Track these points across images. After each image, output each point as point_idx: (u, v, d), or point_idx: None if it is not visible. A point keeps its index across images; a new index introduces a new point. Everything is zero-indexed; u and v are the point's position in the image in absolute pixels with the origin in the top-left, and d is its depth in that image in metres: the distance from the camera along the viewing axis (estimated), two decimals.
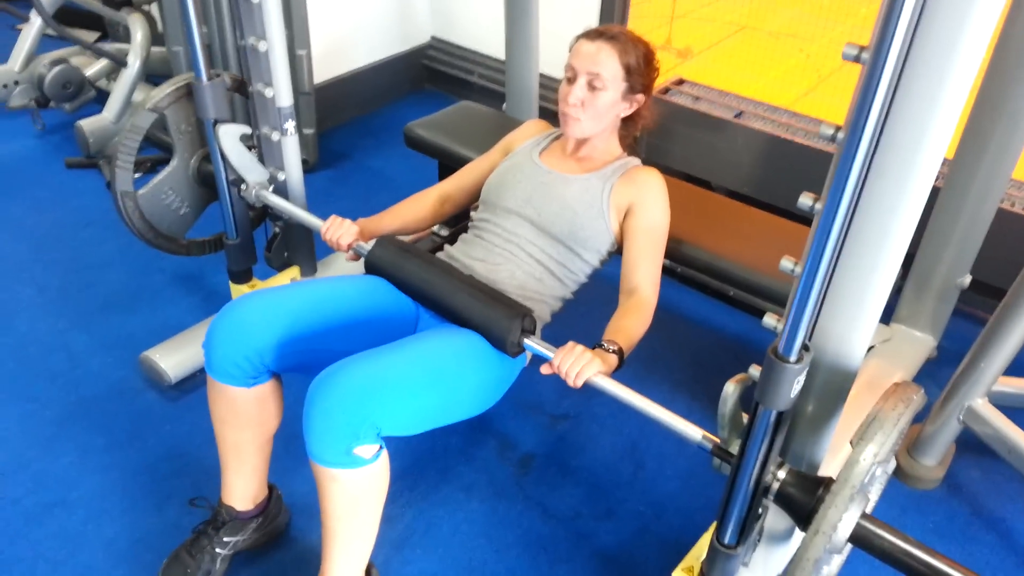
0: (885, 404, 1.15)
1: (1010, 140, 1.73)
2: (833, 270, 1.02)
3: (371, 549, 1.41)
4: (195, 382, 2.00)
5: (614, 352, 1.40)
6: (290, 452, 1.77)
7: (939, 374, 2.06)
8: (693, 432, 1.26)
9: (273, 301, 1.43)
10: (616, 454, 1.88)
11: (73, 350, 2.08)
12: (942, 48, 0.91)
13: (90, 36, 3.50)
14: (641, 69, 1.58)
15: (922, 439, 1.82)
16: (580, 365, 1.32)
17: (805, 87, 3.45)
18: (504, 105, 2.57)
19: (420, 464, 1.82)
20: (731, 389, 1.17)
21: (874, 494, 1.29)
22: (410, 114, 2.41)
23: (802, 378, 1.04)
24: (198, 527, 1.56)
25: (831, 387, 1.20)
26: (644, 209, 1.59)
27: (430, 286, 1.49)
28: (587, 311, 1.72)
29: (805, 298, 0.97)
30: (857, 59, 0.85)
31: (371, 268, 1.58)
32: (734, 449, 1.20)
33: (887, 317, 2.13)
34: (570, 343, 1.36)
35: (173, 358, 1.97)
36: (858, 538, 1.15)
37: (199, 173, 1.97)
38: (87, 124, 2.75)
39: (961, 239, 1.89)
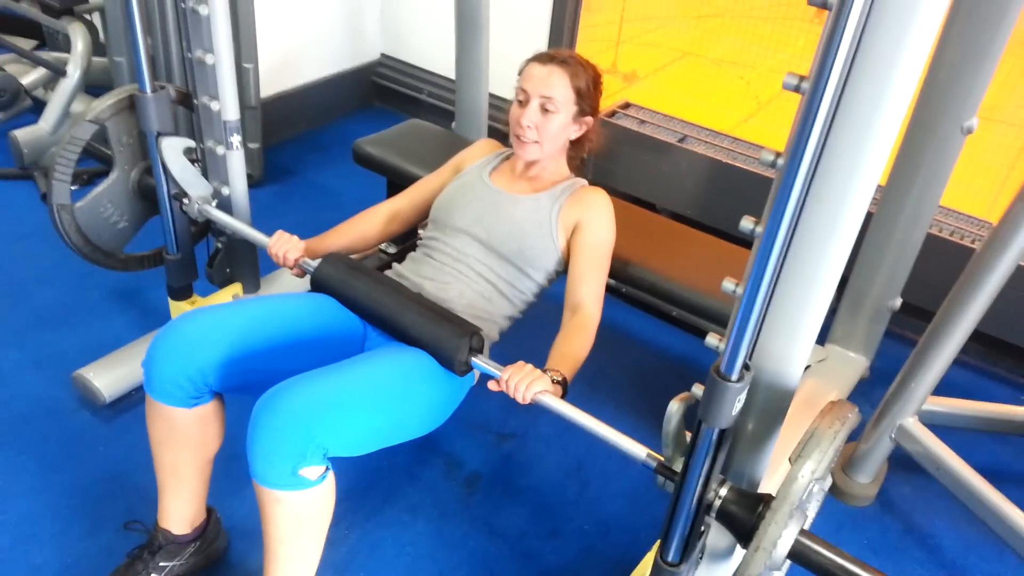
0: (822, 422, 1.17)
1: (938, 168, 1.81)
2: (772, 291, 1.05)
3: (314, 573, 1.39)
4: (131, 401, 1.94)
5: (558, 383, 1.40)
6: (230, 474, 1.73)
7: (872, 394, 2.13)
8: (638, 450, 1.27)
9: (217, 320, 1.40)
10: (562, 473, 1.89)
11: (3, 368, 2.00)
12: (878, 79, 0.95)
13: (27, 44, 3.40)
14: (590, 92, 1.62)
15: (856, 457, 1.87)
16: (528, 380, 1.33)
17: (745, 113, 3.55)
18: (453, 124, 2.58)
19: (364, 485, 1.80)
20: (675, 408, 1.19)
21: (812, 510, 1.32)
22: (358, 131, 2.39)
23: (743, 396, 1.07)
24: (133, 552, 1.51)
25: (770, 405, 1.23)
26: (590, 227, 1.61)
27: (378, 305, 1.48)
28: (535, 328, 1.73)
29: (746, 318, 1.00)
30: (797, 88, 0.88)
31: (318, 285, 1.56)
32: (678, 467, 1.21)
33: (822, 338, 2.19)
34: (519, 362, 1.37)
35: (108, 376, 1.91)
36: (796, 554, 1.18)
37: (139, 186, 1.92)
38: (22, 134, 2.67)
39: (892, 263, 1.96)
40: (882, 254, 1.96)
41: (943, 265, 2.04)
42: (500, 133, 3.01)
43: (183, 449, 1.44)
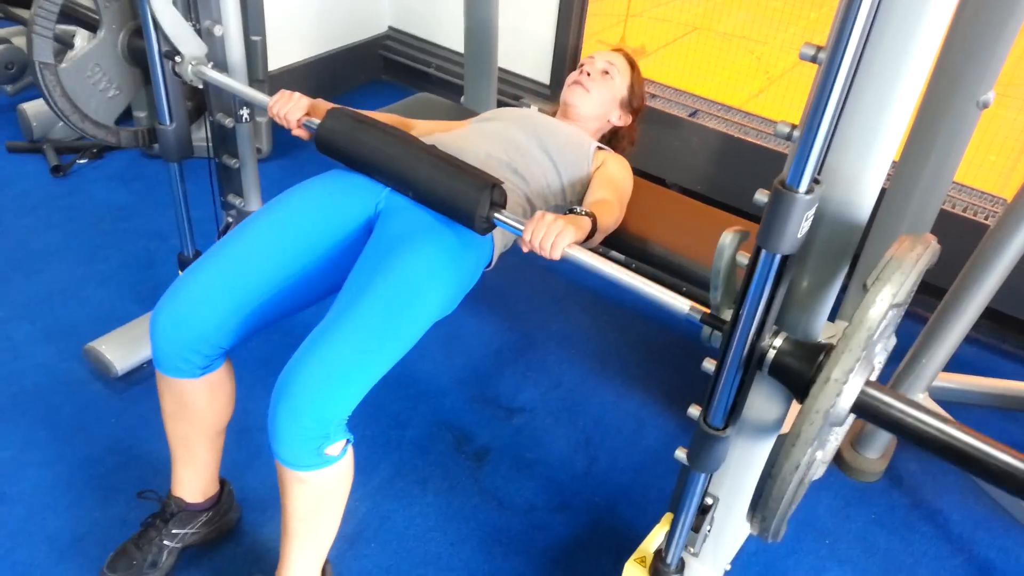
0: (901, 247, 1.01)
1: (953, 143, 1.79)
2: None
3: (330, 546, 1.40)
4: (142, 373, 1.95)
5: (587, 215, 1.35)
6: (242, 446, 1.75)
7: (883, 371, 2.12)
8: (680, 303, 1.15)
9: (210, 281, 1.33)
10: (570, 447, 1.90)
11: (15, 340, 2.02)
12: (895, 50, 0.93)
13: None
14: (638, 93, 1.84)
15: (865, 433, 1.87)
16: (554, 234, 1.22)
17: (756, 88, 3.52)
18: (462, 98, 2.56)
19: (375, 458, 1.81)
20: (728, 240, 1.02)
21: (879, 361, 1.14)
22: (366, 104, 2.38)
23: (811, 213, 0.94)
24: (146, 520, 1.52)
25: (834, 242, 1.10)
26: (611, 167, 1.71)
27: (389, 159, 1.34)
28: (541, 305, 1.73)
29: (811, 139, 0.89)
30: (814, 59, 0.87)
31: (322, 143, 1.42)
32: (726, 317, 1.08)
33: (833, 315, 2.18)
34: (539, 212, 1.26)
35: (120, 349, 1.92)
36: (863, 407, 1.04)
37: (129, 50, 1.75)
38: (30, 107, 2.67)
39: None
40: (895, 230, 1.95)
41: (956, 242, 2.02)
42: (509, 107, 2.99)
43: (194, 421, 1.45)
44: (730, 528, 1.46)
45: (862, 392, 1.02)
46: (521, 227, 1.26)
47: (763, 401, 1.24)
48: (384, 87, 3.46)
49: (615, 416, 1.98)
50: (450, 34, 3.23)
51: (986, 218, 2.22)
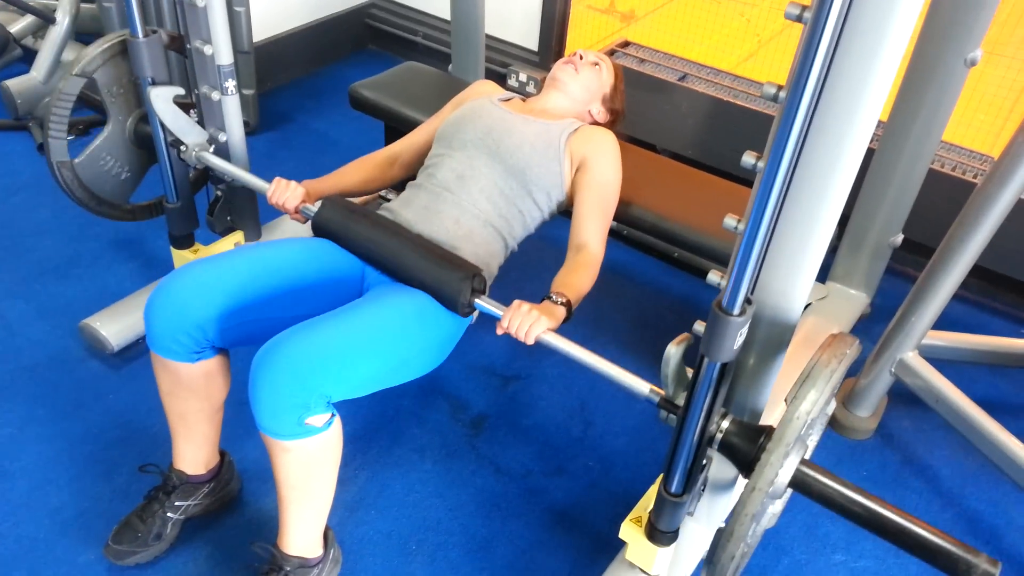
0: (820, 359, 1.18)
1: (941, 102, 1.79)
2: (774, 227, 1.05)
3: (327, 512, 1.42)
4: (138, 349, 1.96)
5: (562, 304, 1.42)
6: (241, 419, 1.76)
7: (872, 330, 2.15)
8: (641, 386, 1.29)
9: (211, 275, 1.39)
10: (565, 413, 1.92)
11: (9, 319, 2.02)
12: (881, 7, 0.93)
13: None
14: (620, 95, 1.87)
15: (856, 391, 1.90)
16: (529, 323, 1.34)
17: (746, 52, 3.50)
18: (450, 66, 2.54)
19: (372, 427, 1.83)
20: (673, 351, 1.20)
21: (813, 439, 1.33)
22: (353, 75, 2.37)
23: (745, 330, 1.08)
24: (149, 492, 1.54)
25: (772, 339, 1.25)
26: (597, 165, 1.63)
27: (378, 247, 1.47)
28: (536, 274, 1.74)
29: (748, 253, 1.00)
30: (799, 18, 0.87)
31: (318, 230, 1.56)
32: (680, 401, 1.23)
33: (823, 276, 2.20)
34: (516, 302, 1.37)
35: (114, 325, 1.93)
36: (798, 483, 1.20)
37: (136, 135, 1.90)
38: (14, 84, 2.63)
39: (894, 199, 1.96)
40: (883, 190, 1.96)
41: (945, 200, 2.04)
42: (497, 75, 2.98)
43: (190, 399, 1.46)
44: (724, 487, 1.49)
45: (797, 471, 1.20)
46: (499, 313, 1.38)
47: (719, 463, 1.40)
48: (371, 56, 3.43)
49: (609, 382, 1.98)
50: (436, 2, 3.20)
51: (975, 177, 2.23)
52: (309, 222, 1.58)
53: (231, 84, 1.79)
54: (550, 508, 1.71)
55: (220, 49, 1.74)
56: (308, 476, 1.33)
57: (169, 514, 1.52)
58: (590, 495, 1.74)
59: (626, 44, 2.81)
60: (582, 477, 1.78)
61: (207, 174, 1.99)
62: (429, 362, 1.47)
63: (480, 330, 2.09)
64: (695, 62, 2.73)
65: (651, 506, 1.41)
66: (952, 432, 1.78)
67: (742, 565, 1.26)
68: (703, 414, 1.18)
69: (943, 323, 1.80)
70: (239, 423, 1.73)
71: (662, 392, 1.27)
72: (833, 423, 1.93)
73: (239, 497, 1.66)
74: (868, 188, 1.98)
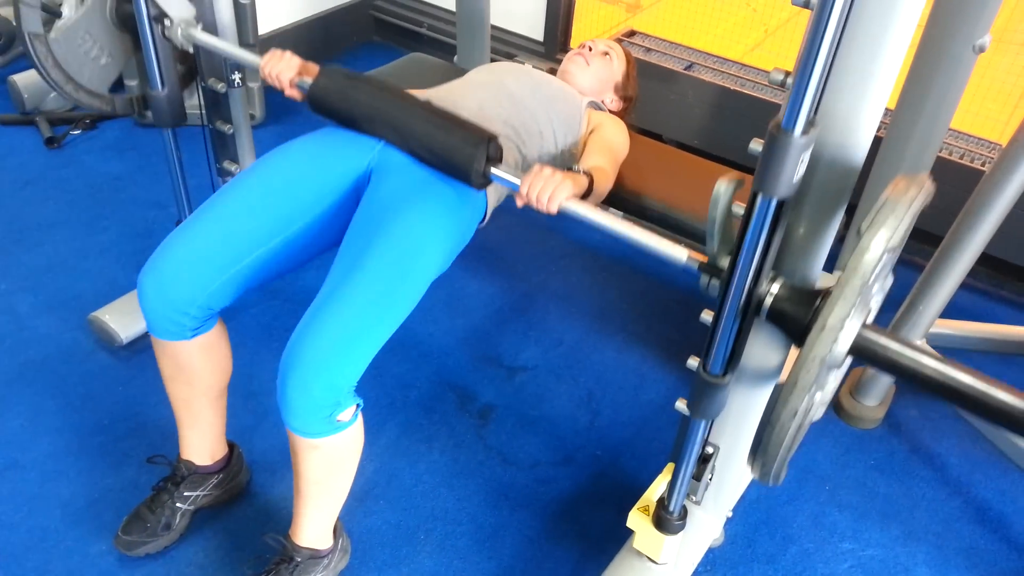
0: (895, 189, 1.00)
1: (949, 89, 1.78)
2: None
3: (342, 506, 1.43)
4: (147, 342, 1.95)
5: (584, 174, 1.36)
6: (248, 410, 1.77)
7: (880, 319, 2.13)
8: (678, 252, 1.16)
9: (194, 244, 1.32)
10: (573, 404, 1.92)
11: (18, 312, 2.03)
12: None
13: None
14: (632, 82, 1.88)
15: (864, 380, 1.89)
16: (551, 188, 1.21)
17: (753, 41, 3.48)
18: (455, 57, 2.54)
19: (380, 418, 1.84)
20: (723, 188, 1.01)
21: (875, 304, 1.13)
22: (358, 66, 2.36)
23: (807, 156, 0.93)
24: (158, 484, 1.55)
25: (830, 186, 1.11)
26: (606, 128, 1.69)
27: (383, 115, 1.33)
28: (541, 266, 1.74)
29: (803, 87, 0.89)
30: (806, 4, 0.87)
31: (315, 102, 1.41)
32: (723, 265, 1.09)
33: (830, 266, 2.19)
34: (536, 166, 1.25)
35: (123, 318, 1.94)
36: (861, 349, 1.04)
37: (118, 15, 1.72)
38: (21, 79, 2.64)
39: None
40: (891, 178, 1.94)
41: (952, 188, 2.02)
42: None
43: (192, 383, 1.45)
44: (731, 476, 1.49)
45: (859, 335, 1.02)
46: (518, 181, 1.25)
47: (761, 348, 1.25)
48: (376, 48, 3.42)
49: (616, 372, 2.00)
50: None
51: (983, 165, 2.22)
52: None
53: (237, 76, 1.80)
54: (558, 498, 1.71)
55: (226, 40, 1.74)
56: (332, 471, 1.33)
57: (179, 504, 1.53)
58: (598, 484, 1.75)
59: (632, 33, 2.80)
60: (589, 467, 1.78)
61: (195, 67, 1.84)
62: (438, 270, 1.35)
63: (487, 321, 2.10)
64: (702, 51, 2.72)
65: (658, 494, 1.41)
66: (960, 421, 1.78)
67: (796, 442, 1.08)
68: (752, 272, 1.03)
69: (951, 311, 1.80)
70: (247, 415, 1.74)
71: (702, 257, 1.13)
72: (840, 412, 1.93)
73: (248, 489, 1.67)
74: (875, 176, 1.97)
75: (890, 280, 1.16)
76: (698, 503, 1.48)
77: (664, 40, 2.77)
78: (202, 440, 1.53)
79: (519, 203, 1.27)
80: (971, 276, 1.73)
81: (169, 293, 1.33)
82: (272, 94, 2.96)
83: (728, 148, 2.53)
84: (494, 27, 2.48)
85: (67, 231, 2.29)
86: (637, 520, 1.41)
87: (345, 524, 1.56)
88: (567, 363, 2.02)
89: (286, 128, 2.86)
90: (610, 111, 1.83)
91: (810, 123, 0.90)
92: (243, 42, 2.61)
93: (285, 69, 1.49)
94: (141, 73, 1.76)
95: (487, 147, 1.26)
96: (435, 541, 1.61)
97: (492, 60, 2.52)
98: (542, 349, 2.05)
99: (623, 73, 1.84)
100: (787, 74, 0.93)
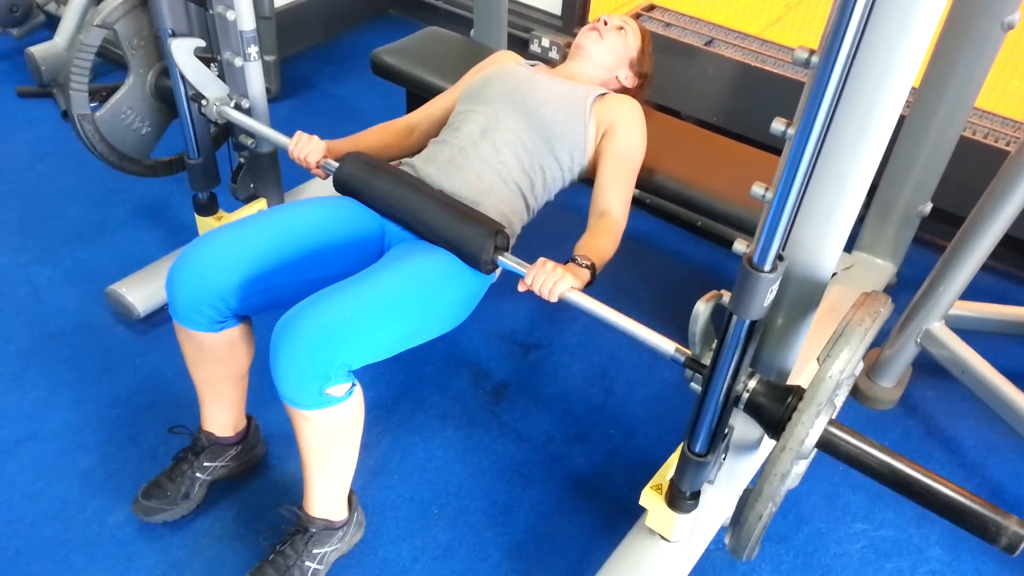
0: (853, 317, 1.15)
1: (976, 67, 1.75)
2: (803, 195, 1.03)
3: (351, 477, 1.44)
4: (164, 315, 1.98)
5: (586, 267, 1.39)
6: (265, 385, 1.76)
7: (898, 300, 2.11)
8: (666, 345, 1.27)
9: (231, 244, 1.38)
10: (586, 381, 1.92)
11: (37, 284, 2.05)
12: None
13: None
14: (647, 58, 1.85)
15: (881, 362, 1.88)
16: (553, 281, 1.32)
17: (774, 15, 3.42)
18: (472, 31, 2.51)
19: (394, 394, 1.85)
20: (702, 308, 1.17)
21: (840, 398, 1.27)
22: (374, 40, 2.34)
23: (775, 287, 1.05)
24: (178, 453, 1.57)
25: (802, 298, 1.21)
26: (622, 132, 1.61)
27: (400, 202, 1.44)
28: (557, 242, 1.73)
29: (779, 215, 0.98)
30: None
31: (339, 185, 1.52)
32: (707, 361, 1.21)
33: (849, 245, 2.17)
34: (540, 259, 1.35)
35: (141, 291, 1.95)
36: (825, 444, 1.18)
37: (157, 89, 1.88)
38: (38, 51, 2.64)
39: (924, 167, 1.92)
40: (914, 158, 1.92)
41: (976, 168, 2.00)
42: (519, 40, 2.94)
43: (216, 367, 1.48)
44: (745, 455, 1.49)
45: (825, 431, 1.16)
46: (523, 271, 1.36)
47: (743, 423, 1.37)
48: (392, 22, 3.40)
49: (630, 351, 1.99)
50: None
51: (1008, 144, 2.18)
52: (330, 179, 1.56)
53: (253, 50, 1.78)
54: (571, 475, 1.72)
55: (242, 14, 1.73)
56: (330, 444, 1.35)
57: (198, 474, 1.55)
58: (611, 462, 1.75)
59: (651, 8, 2.76)
60: (603, 444, 1.79)
61: (228, 131, 1.98)
62: (449, 322, 1.45)
63: (500, 298, 2.10)
64: (722, 26, 2.68)
65: (671, 473, 1.41)
66: (976, 403, 1.76)
67: (767, 525, 1.26)
68: (730, 373, 1.15)
69: (970, 293, 1.78)
70: (263, 389, 1.75)
71: (688, 352, 1.24)
72: (856, 393, 1.91)
73: (264, 461, 1.68)
74: (898, 155, 1.95)
75: (854, 376, 1.27)
76: (711, 482, 1.48)
77: (684, 15, 2.73)
78: (224, 414, 1.55)
79: (521, 289, 1.36)
80: (992, 257, 1.70)
81: (202, 284, 1.36)
82: (289, 68, 2.95)
83: (748, 126, 2.49)
84: (511, 1, 2.45)
85: (84, 204, 2.30)
86: (650, 498, 1.41)
87: (360, 498, 1.58)
88: (581, 341, 2.01)
89: (301, 103, 2.85)
90: (624, 87, 1.81)
91: (779, 258, 1.03)
92: (259, 15, 2.61)
93: (312, 152, 1.60)
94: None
95: (495, 238, 1.37)
96: (448, 516, 1.62)
97: (509, 35, 2.50)
98: (556, 327, 2.04)
99: (638, 49, 1.81)
100: (811, 52, 0.91)
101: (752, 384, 1.21)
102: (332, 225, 1.48)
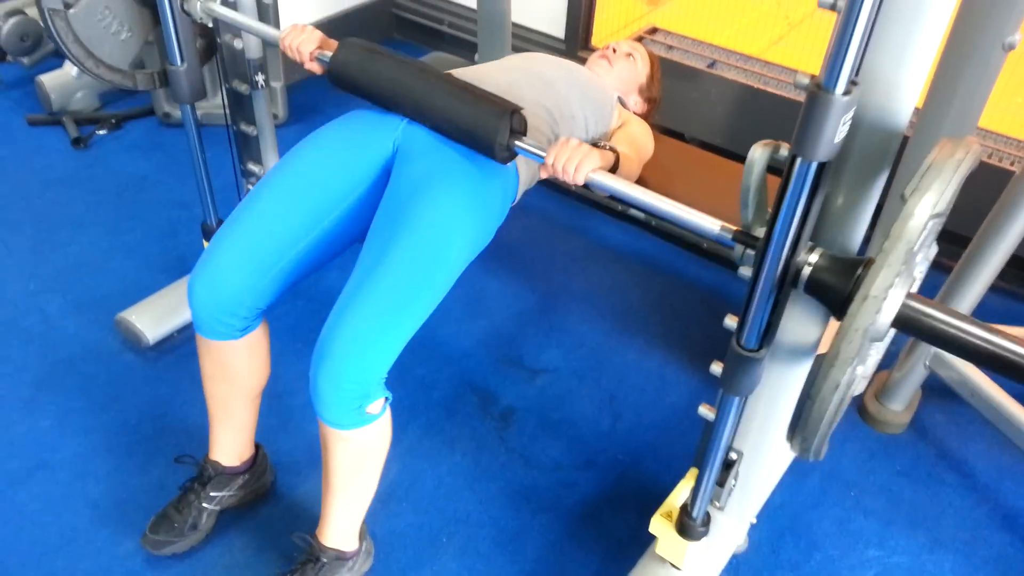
0: (940, 152, 0.95)
1: (977, 87, 1.75)
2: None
3: (368, 505, 1.44)
4: (173, 343, 1.99)
5: (610, 150, 1.35)
6: (274, 411, 1.79)
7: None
8: (710, 224, 1.11)
9: (239, 245, 1.34)
10: (595, 406, 1.92)
11: (47, 312, 2.06)
12: None
13: None
14: (654, 86, 1.89)
15: (890, 385, 1.87)
16: (578, 158, 1.19)
17: (776, 35, 3.44)
18: (476, 56, 2.53)
19: (402, 420, 1.84)
20: (759, 152, 0.98)
21: (921, 268, 1.09)
22: None
23: (848, 117, 0.88)
24: (184, 484, 1.57)
25: (873, 153, 1.05)
26: (633, 127, 1.70)
27: (405, 87, 1.30)
28: (550, 257, 1.73)
29: (848, 31, 0.83)
30: (833, 7, 0.85)
31: (335, 76, 1.39)
32: (758, 234, 1.04)
33: (862, 251, 2.17)
34: (563, 138, 1.24)
35: (150, 319, 1.95)
36: (905, 320, 0.99)
37: None
38: (48, 79, 2.68)
39: None
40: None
41: (980, 189, 1.99)
42: None
43: (233, 382, 1.47)
44: (755, 482, 1.48)
45: (903, 305, 0.97)
46: (543, 153, 1.22)
47: (798, 321, 1.19)
48: (397, 46, 3.42)
49: (638, 375, 1.99)
50: None
51: (1012, 164, 2.18)
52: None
53: (260, 78, 1.80)
54: (580, 501, 1.71)
55: (250, 43, 1.75)
56: (360, 465, 1.35)
57: (205, 504, 1.55)
58: (620, 488, 1.74)
59: (654, 31, 2.78)
60: (611, 470, 1.78)
61: (214, 42, 1.84)
62: (473, 251, 1.36)
63: (508, 323, 2.10)
64: (724, 48, 2.70)
65: (681, 500, 1.41)
66: (987, 426, 1.75)
67: (837, 417, 1.04)
68: (789, 241, 0.98)
69: (979, 314, 1.77)
70: (272, 416, 1.76)
71: (734, 227, 1.09)
72: (866, 417, 1.90)
73: (273, 489, 1.68)
74: (903, 176, 1.94)
75: (934, 250, 1.09)
76: (721, 509, 1.47)
77: (686, 37, 2.75)
78: (233, 441, 1.55)
79: (543, 174, 1.25)
80: (1000, 278, 1.70)
81: (220, 294, 1.35)
82: (296, 95, 2.98)
83: (750, 147, 2.50)
84: (515, 24, 2.47)
85: (94, 231, 2.32)
86: (660, 526, 1.41)
87: (368, 526, 1.57)
88: (589, 365, 2.01)
89: (309, 128, 2.84)
90: (634, 113, 1.82)
91: (852, 82, 0.84)
92: (265, 41, 2.63)
93: (306, 41, 1.47)
94: (161, 49, 1.76)
95: (510, 119, 1.23)
96: (457, 544, 1.61)
97: None
98: (563, 351, 2.04)
99: (647, 75, 1.83)
100: (812, 78, 0.91)
101: (814, 258, 1.03)
102: (336, 184, 1.38)
